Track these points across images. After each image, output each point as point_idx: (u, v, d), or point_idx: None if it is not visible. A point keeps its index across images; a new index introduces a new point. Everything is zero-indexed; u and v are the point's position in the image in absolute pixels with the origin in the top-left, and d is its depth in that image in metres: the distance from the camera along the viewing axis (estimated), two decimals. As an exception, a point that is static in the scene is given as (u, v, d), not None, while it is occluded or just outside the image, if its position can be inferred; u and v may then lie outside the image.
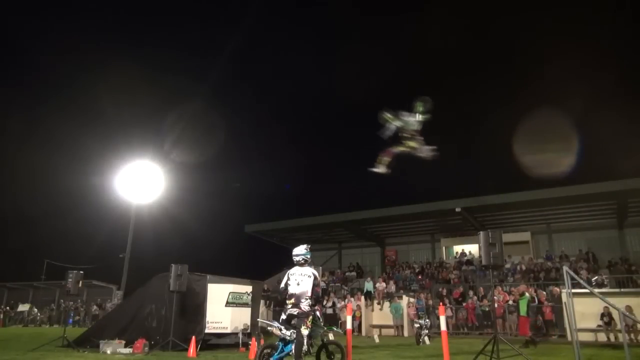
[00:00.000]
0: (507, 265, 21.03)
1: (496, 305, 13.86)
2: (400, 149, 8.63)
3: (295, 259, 6.70)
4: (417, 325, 14.06)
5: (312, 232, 26.42)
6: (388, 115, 8.47)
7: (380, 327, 18.74)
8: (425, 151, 8.60)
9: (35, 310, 31.76)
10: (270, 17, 59.82)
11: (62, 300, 30.62)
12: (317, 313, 6.90)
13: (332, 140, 63.19)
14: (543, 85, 47.57)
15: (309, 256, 6.78)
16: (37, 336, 15.59)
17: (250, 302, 12.40)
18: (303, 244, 7.08)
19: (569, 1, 47.26)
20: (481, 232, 8.98)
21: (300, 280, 6.50)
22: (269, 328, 6.77)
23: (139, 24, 59.28)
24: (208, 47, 61.95)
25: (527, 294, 13.78)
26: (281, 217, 27.45)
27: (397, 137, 8.54)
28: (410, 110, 8.57)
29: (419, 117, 8.52)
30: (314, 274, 6.58)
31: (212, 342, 11.22)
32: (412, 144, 8.56)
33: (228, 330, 11.62)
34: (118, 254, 28.27)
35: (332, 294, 21.13)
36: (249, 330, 11.76)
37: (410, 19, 55.42)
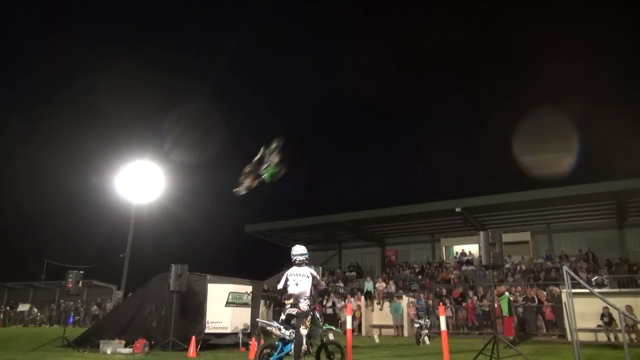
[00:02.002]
0: (507, 265, 21.02)
1: (496, 305, 13.93)
2: (245, 175, 9.41)
3: (299, 258, 6.70)
4: (417, 325, 14.05)
5: (312, 232, 26.42)
6: (273, 146, 9.36)
7: (380, 327, 18.73)
8: (241, 188, 9.39)
9: (35, 310, 31.73)
10: (270, 16, 59.84)
11: (62, 300, 30.60)
12: (317, 313, 6.91)
13: (332, 140, 63.25)
14: (543, 85, 47.62)
15: (307, 256, 6.79)
16: (37, 336, 15.59)
17: (250, 302, 12.41)
18: (303, 244, 7.11)
19: (570, 1, 47.29)
20: (481, 232, 8.98)
21: (298, 280, 6.51)
22: (268, 328, 6.77)
23: (139, 24, 59.34)
24: (208, 47, 62.06)
25: (506, 294, 13.85)
26: (281, 217, 27.46)
27: (256, 164, 9.39)
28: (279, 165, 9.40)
29: (268, 170, 9.33)
30: (312, 274, 6.60)
31: (212, 342, 11.22)
32: (247, 178, 9.40)
33: (228, 330, 11.62)
34: (118, 254, 28.28)
35: (332, 294, 21.13)
36: (249, 330, 11.77)
37: (411, 19, 55.45)
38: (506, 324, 13.05)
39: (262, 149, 9.50)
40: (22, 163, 41.67)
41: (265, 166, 9.41)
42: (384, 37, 58.87)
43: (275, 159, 9.39)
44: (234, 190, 9.46)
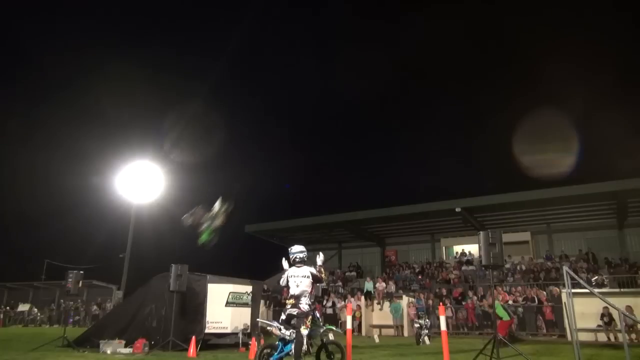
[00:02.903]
0: (507, 265, 21.03)
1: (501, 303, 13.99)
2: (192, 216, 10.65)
3: (299, 255, 6.67)
4: (417, 325, 14.06)
5: (312, 232, 26.41)
6: (220, 209, 10.45)
7: (380, 327, 18.73)
8: (187, 220, 10.64)
9: (35, 310, 31.72)
10: (270, 17, 59.86)
11: (62, 300, 30.60)
12: (317, 313, 6.91)
13: (332, 140, 63.30)
14: (543, 86, 47.66)
15: (306, 254, 6.79)
16: (37, 336, 15.58)
17: (250, 302, 12.40)
18: (303, 244, 7.10)
19: (569, 2, 47.31)
20: (481, 232, 8.96)
21: (299, 282, 6.52)
22: (268, 328, 6.76)
23: (139, 24, 59.34)
24: (208, 47, 62.01)
25: (497, 302, 13.88)
26: (281, 217, 27.46)
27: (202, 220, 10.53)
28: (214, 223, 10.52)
29: (206, 231, 10.54)
30: (311, 274, 6.60)
31: (212, 342, 11.21)
32: (192, 219, 10.57)
33: (228, 330, 11.62)
34: (118, 254, 28.26)
35: (332, 294, 21.13)
36: (249, 330, 11.76)
37: (410, 21, 55.46)
38: (500, 326, 13.06)
39: (216, 203, 10.52)
40: (22, 163, 41.72)
41: (206, 225, 10.39)
42: (384, 39, 58.90)
43: (217, 222, 10.40)
44: (183, 217, 10.56)
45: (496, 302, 13.96)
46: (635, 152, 22.77)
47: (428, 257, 26.21)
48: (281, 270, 6.89)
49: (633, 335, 13.45)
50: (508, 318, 13.30)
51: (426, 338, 13.53)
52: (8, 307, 32.67)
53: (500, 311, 13.18)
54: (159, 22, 59.00)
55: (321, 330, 6.78)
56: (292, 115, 61.85)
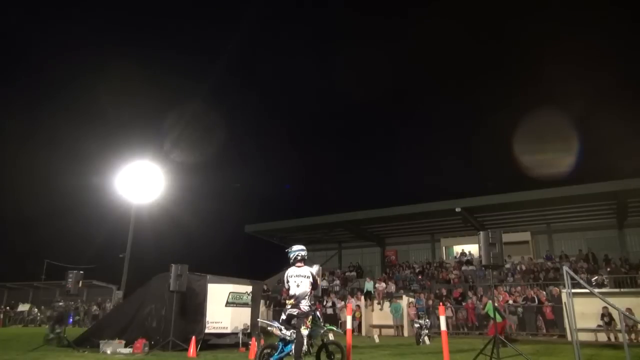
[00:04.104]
0: (507, 265, 21.03)
1: (496, 305, 13.94)
2: None
3: (301, 253, 6.62)
4: (417, 325, 14.05)
5: (312, 232, 26.41)
6: None
7: (380, 327, 18.73)
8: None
9: (35, 310, 31.73)
10: (270, 17, 59.86)
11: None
12: (317, 313, 6.89)
13: (332, 140, 63.27)
14: (543, 85, 47.65)
15: (306, 253, 6.77)
16: (37, 336, 15.57)
17: (250, 302, 12.40)
18: (303, 244, 7.08)
19: (570, 2, 47.31)
20: (481, 232, 8.96)
21: (299, 282, 6.49)
22: (268, 328, 6.76)
23: (139, 24, 59.31)
24: (208, 47, 62.01)
25: (489, 303, 13.94)
26: (281, 217, 27.47)
27: None
28: None
29: None
30: (311, 274, 6.58)
31: (212, 342, 11.21)
32: None
33: (228, 330, 11.62)
34: (118, 254, 28.21)
35: (332, 294, 21.12)
36: (249, 330, 11.76)
37: (411, 20, 55.46)
38: (492, 328, 13.07)
39: None
40: (22, 163, 41.69)
41: None
42: (384, 40, 58.88)
43: None
44: None
45: (489, 302, 13.98)
46: (635, 152, 22.79)
47: (428, 257, 26.21)
48: (286, 265, 6.85)
49: (633, 335, 13.46)
50: (500, 320, 13.24)
51: (426, 338, 13.53)
52: (8, 307, 32.66)
53: (492, 312, 13.18)
54: (159, 22, 59.02)
55: (321, 331, 6.77)
56: (292, 115, 61.89)
